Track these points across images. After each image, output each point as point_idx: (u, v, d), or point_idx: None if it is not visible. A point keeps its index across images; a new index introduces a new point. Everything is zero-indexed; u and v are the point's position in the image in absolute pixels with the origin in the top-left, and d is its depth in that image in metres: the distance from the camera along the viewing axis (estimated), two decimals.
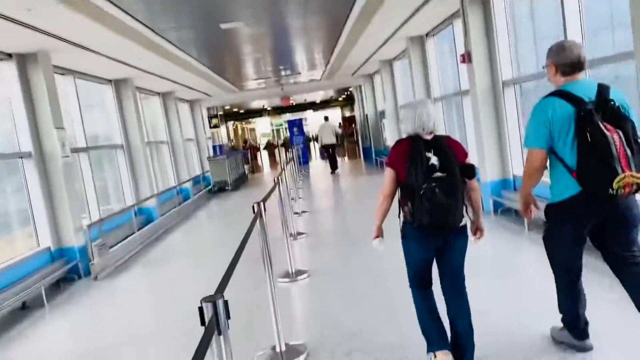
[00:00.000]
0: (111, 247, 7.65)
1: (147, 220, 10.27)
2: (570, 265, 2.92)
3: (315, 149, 32.76)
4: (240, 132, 52.61)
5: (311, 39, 10.81)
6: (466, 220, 2.84)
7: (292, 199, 9.88)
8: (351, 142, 32.64)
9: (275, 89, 17.81)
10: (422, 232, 2.77)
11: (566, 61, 2.72)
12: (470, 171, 2.81)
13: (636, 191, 2.56)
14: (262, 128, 53.04)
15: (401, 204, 2.86)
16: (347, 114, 38.39)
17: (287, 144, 31.94)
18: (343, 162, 21.41)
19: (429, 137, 2.82)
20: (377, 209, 2.96)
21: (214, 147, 18.88)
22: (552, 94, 2.73)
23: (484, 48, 6.85)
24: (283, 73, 14.97)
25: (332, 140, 16.34)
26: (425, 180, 2.63)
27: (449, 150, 2.77)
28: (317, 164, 22.36)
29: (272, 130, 44.36)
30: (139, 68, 9.62)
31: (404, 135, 2.94)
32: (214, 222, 11.55)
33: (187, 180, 13.67)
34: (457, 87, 8.92)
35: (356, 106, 21.37)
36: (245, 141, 32.58)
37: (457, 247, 2.86)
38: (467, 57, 6.88)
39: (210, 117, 19.13)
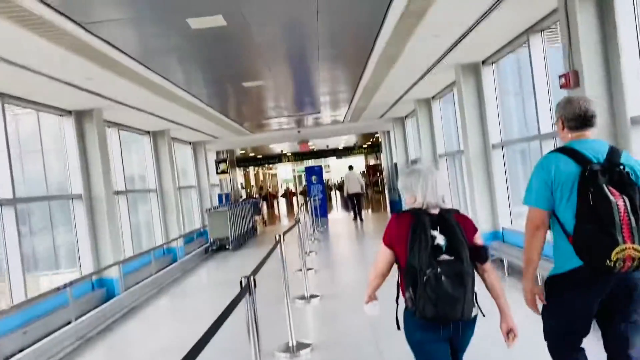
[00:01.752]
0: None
1: (107, 294, 7.80)
2: (570, 342, 2.62)
3: (337, 199, 30.27)
4: (261, 177, 51.06)
5: (333, 72, 8.60)
6: (477, 311, 2.42)
7: (308, 252, 9.12)
8: (376, 192, 30.15)
9: (292, 131, 15.53)
10: (425, 323, 2.37)
11: (573, 115, 2.55)
12: (482, 254, 2.43)
13: (637, 267, 2.30)
14: (284, 174, 51.12)
15: (401, 287, 2.50)
16: (372, 161, 36.19)
17: (305, 193, 29.73)
18: (367, 214, 18.85)
19: (435, 212, 2.43)
20: (369, 283, 2.65)
21: (220, 197, 16.55)
22: (557, 150, 2.60)
23: (476, 114, 7.80)
24: (301, 111, 12.67)
25: (357, 189, 16.30)
26: (430, 264, 2.26)
27: (458, 228, 2.38)
28: (338, 218, 19.79)
29: (294, 176, 42.28)
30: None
31: (405, 207, 2.56)
32: (195, 300, 8.73)
33: (171, 240, 11.18)
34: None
35: (383, 154, 18.93)
36: (261, 188, 30.33)
37: (467, 339, 2.52)
38: (572, 79, 4.34)
39: (218, 162, 16.88)
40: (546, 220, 2.53)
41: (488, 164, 7.78)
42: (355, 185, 16.32)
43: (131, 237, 9.91)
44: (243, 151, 24.53)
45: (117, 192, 9.34)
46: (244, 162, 29.83)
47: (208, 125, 12.30)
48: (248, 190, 25.85)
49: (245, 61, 7.33)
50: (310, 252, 10.09)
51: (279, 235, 5.14)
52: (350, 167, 17.61)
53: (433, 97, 11.10)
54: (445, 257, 2.30)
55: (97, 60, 5.60)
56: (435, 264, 2.26)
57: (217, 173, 16.79)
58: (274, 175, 54.65)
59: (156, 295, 8.57)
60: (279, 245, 5.04)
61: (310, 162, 28.60)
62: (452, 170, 10.70)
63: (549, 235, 2.60)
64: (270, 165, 46.72)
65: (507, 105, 8.01)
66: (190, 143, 14.77)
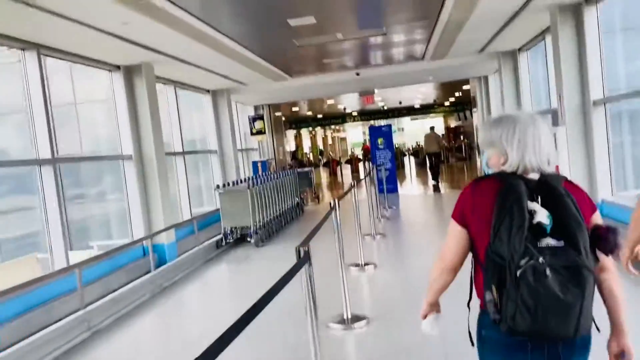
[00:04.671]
0: None
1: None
2: None
3: (411, 167, 25.61)
4: (330, 141, 46.95)
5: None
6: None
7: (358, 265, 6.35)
8: (458, 159, 25.22)
9: (347, 73, 10.98)
10: (513, 341, 1.59)
11: None
12: (610, 241, 1.60)
13: None
14: (355, 136, 46.57)
15: (476, 286, 1.76)
16: (453, 123, 31.13)
17: (367, 158, 25.23)
18: (446, 187, 14.25)
19: (534, 177, 1.68)
20: (430, 282, 1.89)
21: (254, 165, 12.55)
22: None
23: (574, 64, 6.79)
24: (360, 32, 8.14)
25: (435, 148, 15.63)
26: (527, 252, 1.51)
27: (570, 200, 1.60)
28: (413, 194, 15.29)
29: (365, 140, 37.87)
30: None
31: (488, 170, 1.81)
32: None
33: (155, 234, 7.34)
34: None
35: (478, 108, 14.06)
36: (321, 153, 26.21)
37: None
38: None
39: (253, 119, 12.82)
40: None
41: (587, 123, 6.79)
42: (433, 144, 15.61)
43: (189, 201, 9.32)
44: (296, 108, 20.35)
45: (174, 153, 9.01)
46: (298, 122, 25.83)
47: (230, 64, 8.34)
48: (298, 157, 21.74)
49: None
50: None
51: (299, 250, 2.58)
52: (432, 128, 16.64)
53: (519, 49, 10.00)
54: (550, 241, 1.53)
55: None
56: (535, 252, 1.49)
57: (252, 134, 12.75)
58: (343, 138, 50.39)
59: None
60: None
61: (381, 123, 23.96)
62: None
63: None
64: (338, 127, 42.51)
65: (612, 54, 6.88)
66: (208, 91, 10.76)
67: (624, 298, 1.72)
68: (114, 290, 6.05)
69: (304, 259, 2.51)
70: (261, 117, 12.79)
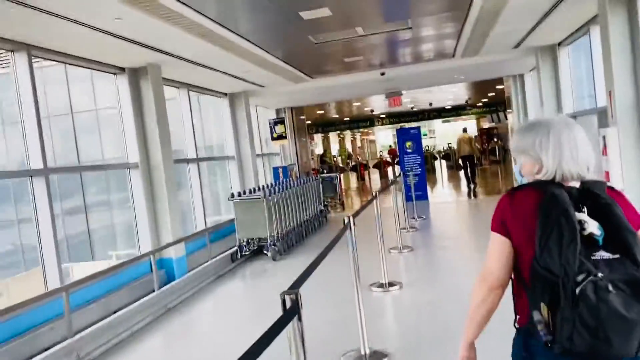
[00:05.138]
0: None
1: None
2: None
3: (442, 171, 24.68)
4: (359, 144, 46.17)
5: None
6: None
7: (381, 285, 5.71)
8: (492, 162, 24.18)
9: (372, 73, 10.26)
10: None
11: None
12: None
13: None
14: (384, 139, 45.62)
15: (521, 304, 1.63)
16: (486, 125, 29.99)
17: (394, 161, 24.34)
18: (483, 193, 13.38)
19: (575, 185, 1.59)
20: (472, 310, 1.69)
21: (275, 171, 11.96)
22: None
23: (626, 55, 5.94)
24: (378, 28, 7.47)
25: (468, 151, 15.21)
26: (582, 266, 1.39)
27: (617, 209, 1.50)
28: (445, 200, 14.47)
29: (395, 142, 37.00)
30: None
31: (522, 179, 1.72)
32: None
33: (159, 248, 6.78)
34: None
35: (513, 108, 13.15)
36: (349, 156, 25.54)
37: None
38: None
39: (274, 123, 12.25)
40: None
41: None
42: (467, 147, 15.21)
43: (203, 210, 8.76)
44: (322, 111, 19.73)
45: (188, 160, 8.57)
46: (325, 125, 25.25)
47: (244, 66, 7.78)
48: (325, 160, 21.12)
49: None
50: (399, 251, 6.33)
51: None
52: (465, 130, 16.36)
53: (559, 44, 9.17)
54: (605, 254, 1.42)
55: None
56: (592, 266, 1.38)
57: (273, 139, 12.18)
58: (373, 141, 49.48)
59: None
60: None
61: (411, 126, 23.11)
62: (588, 133, 6.64)
63: None
64: (367, 130, 41.68)
65: None
66: (225, 94, 10.24)
67: None
68: (113, 313, 5.54)
69: (290, 310, 1.85)
70: (282, 121, 12.20)
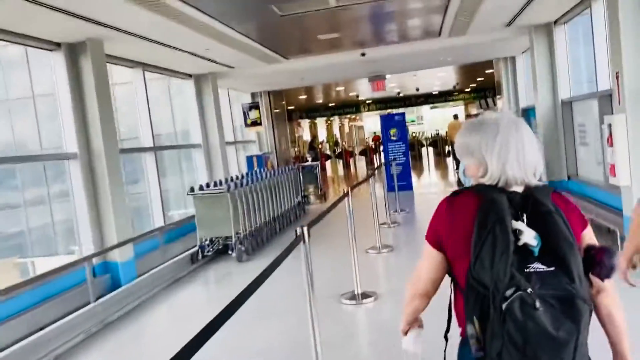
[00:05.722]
0: None
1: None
2: None
3: (429, 159, 23.93)
4: (347, 130, 45.43)
5: None
6: None
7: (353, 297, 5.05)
8: None
9: (351, 54, 9.36)
10: None
11: None
12: (604, 264, 1.43)
13: None
14: (373, 126, 44.85)
15: (457, 314, 1.60)
16: (474, 111, 29.34)
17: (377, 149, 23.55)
18: None
19: (518, 190, 1.51)
20: (405, 306, 1.71)
21: (249, 160, 11.08)
22: None
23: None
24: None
25: None
26: (513, 280, 1.34)
27: (561, 217, 1.43)
28: (431, 191, 13.72)
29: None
30: None
31: (466, 182, 1.70)
32: None
33: (94, 255, 5.90)
34: None
35: (503, 94, 12.35)
36: (335, 143, 24.77)
37: None
38: None
39: (249, 108, 11.35)
40: None
41: None
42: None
43: (162, 205, 7.80)
44: (304, 96, 18.83)
45: (143, 149, 7.66)
46: (310, 111, 24.39)
47: (202, 41, 6.88)
48: (314, 147, 20.29)
49: None
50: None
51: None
52: (455, 116, 16.86)
53: (556, 22, 8.40)
54: (539, 266, 1.36)
55: None
56: (522, 280, 1.33)
57: (246, 125, 11.28)
58: (361, 127, 48.69)
59: None
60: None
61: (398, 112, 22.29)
62: (587, 119, 7.59)
63: None
64: (355, 117, 40.82)
65: None
66: (190, 75, 9.31)
67: (625, 323, 1.51)
68: (39, 330, 4.71)
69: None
70: (257, 106, 11.30)
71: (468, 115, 30.09)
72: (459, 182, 13.14)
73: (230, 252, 7.33)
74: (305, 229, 2.97)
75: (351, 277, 5.10)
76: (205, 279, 6.91)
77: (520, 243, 1.36)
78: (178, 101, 9.80)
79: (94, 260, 5.93)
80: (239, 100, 12.15)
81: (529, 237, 1.37)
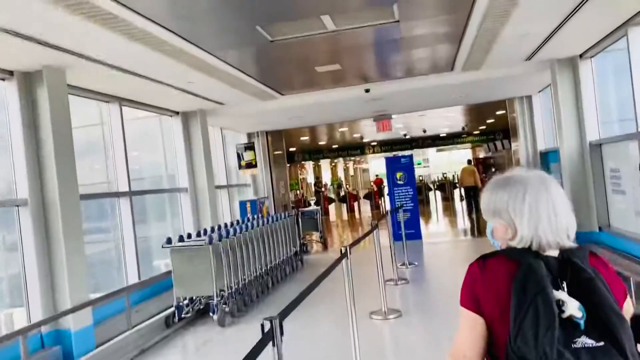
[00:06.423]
0: None
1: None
2: None
3: (437, 203, 22.94)
4: (352, 172, 44.71)
5: None
6: None
7: None
8: None
9: (354, 90, 8.52)
10: None
11: None
12: None
13: None
14: (378, 169, 44.17)
15: None
16: (482, 154, 28.55)
17: (379, 193, 22.58)
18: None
19: (554, 254, 1.40)
20: None
21: (242, 206, 10.13)
22: None
23: None
24: (353, 17, 5.80)
25: (471, 182, 15.94)
26: (562, 357, 1.23)
27: (602, 284, 1.31)
28: (442, 240, 12.67)
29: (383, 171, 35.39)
30: None
31: (494, 242, 1.55)
32: None
33: (34, 325, 4.87)
34: None
35: (520, 136, 11.44)
36: (339, 186, 23.92)
37: None
38: None
39: (243, 149, 10.48)
40: None
41: None
42: (470, 178, 15.88)
43: (137, 259, 6.81)
44: (305, 137, 18.05)
45: (117, 194, 6.78)
46: (313, 153, 23.67)
47: (186, 73, 6.06)
48: (300, 191, 19.38)
49: None
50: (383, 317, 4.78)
51: None
52: (469, 161, 17.94)
53: (581, 55, 7.54)
54: (587, 341, 1.25)
55: None
56: (572, 358, 1.21)
57: (240, 167, 10.39)
58: (366, 170, 47.94)
59: None
60: None
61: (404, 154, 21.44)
62: (621, 164, 6.72)
63: None
64: (360, 159, 40.10)
65: None
66: (177, 113, 8.48)
67: None
68: None
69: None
70: (252, 147, 10.43)
71: (476, 158, 29.29)
72: (473, 230, 12.16)
73: (211, 315, 6.28)
74: (275, 322, 1.97)
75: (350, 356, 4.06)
76: (182, 347, 5.86)
77: (565, 315, 1.26)
78: (169, 140, 8.97)
79: (43, 329, 4.92)
80: (235, 141, 11.32)
81: (573, 308, 1.26)
